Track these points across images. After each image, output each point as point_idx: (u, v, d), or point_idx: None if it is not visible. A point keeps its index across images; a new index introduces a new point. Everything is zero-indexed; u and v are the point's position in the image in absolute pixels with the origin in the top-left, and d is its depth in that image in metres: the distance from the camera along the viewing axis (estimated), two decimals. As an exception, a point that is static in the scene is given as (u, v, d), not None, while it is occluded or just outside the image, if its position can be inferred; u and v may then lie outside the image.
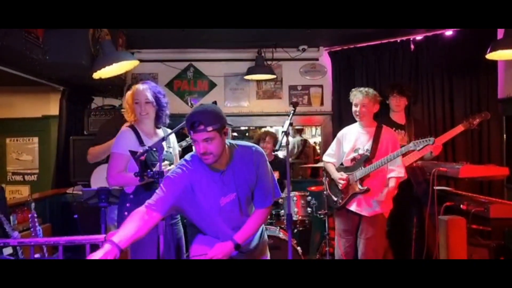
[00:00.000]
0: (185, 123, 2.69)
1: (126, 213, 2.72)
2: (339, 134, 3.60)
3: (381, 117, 3.88)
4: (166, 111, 2.85)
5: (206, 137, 2.06)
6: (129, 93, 2.83)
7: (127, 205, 2.74)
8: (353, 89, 3.53)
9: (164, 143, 2.56)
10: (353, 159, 3.43)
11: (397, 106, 3.99)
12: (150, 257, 2.63)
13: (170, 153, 2.87)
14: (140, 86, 2.80)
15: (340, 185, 3.39)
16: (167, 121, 2.88)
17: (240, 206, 2.27)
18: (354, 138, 3.47)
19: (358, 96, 3.41)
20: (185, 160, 2.25)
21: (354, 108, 3.44)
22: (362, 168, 3.31)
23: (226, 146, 2.21)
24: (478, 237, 3.26)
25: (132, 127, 2.80)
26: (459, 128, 3.73)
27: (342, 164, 3.53)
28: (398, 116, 4.03)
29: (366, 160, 3.33)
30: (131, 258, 2.70)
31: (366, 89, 3.46)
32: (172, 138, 2.92)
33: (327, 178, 3.71)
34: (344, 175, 3.39)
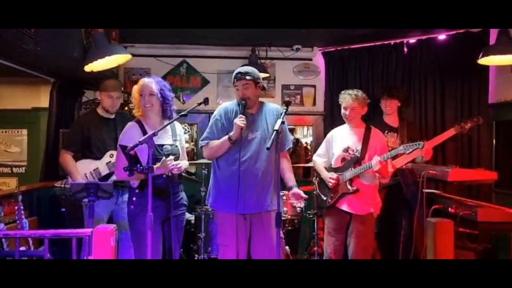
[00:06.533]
0: (178, 117, 2.81)
1: (132, 207, 2.82)
2: (329, 135, 3.66)
3: (375, 120, 3.91)
4: (171, 104, 2.91)
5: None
6: (135, 87, 2.91)
7: (133, 199, 2.82)
8: (342, 92, 3.58)
9: (170, 137, 2.82)
10: (343, 159, 3.48)
11: (389, 108, 4.02)
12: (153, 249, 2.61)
13: (176, 146, 2.91)
14: (145, 79, 2.89)
15: (330, 184, 3.44)
16: (173, 114, 2.92)
17: None
18: (344, 139, 3.52)
19: (347, 99, 3.47)
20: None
21: (343, 111, 3.51)
22: (352, 169, 3.37)
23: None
24: (465, 240, 3.28)
25: (138, 121, 2.87)
26: (451, 132, 3.74)
27: (331, 165, 3.56)
28: (390, 118, 4.05)
29: (356, 161, 3.40)
30: (134, 251, 2.81)
31: (355, 91, 3.51)
32: (179, 130, 3.00)
33: (317, 178, 3.73)
34: (334, 175, 3.44)
